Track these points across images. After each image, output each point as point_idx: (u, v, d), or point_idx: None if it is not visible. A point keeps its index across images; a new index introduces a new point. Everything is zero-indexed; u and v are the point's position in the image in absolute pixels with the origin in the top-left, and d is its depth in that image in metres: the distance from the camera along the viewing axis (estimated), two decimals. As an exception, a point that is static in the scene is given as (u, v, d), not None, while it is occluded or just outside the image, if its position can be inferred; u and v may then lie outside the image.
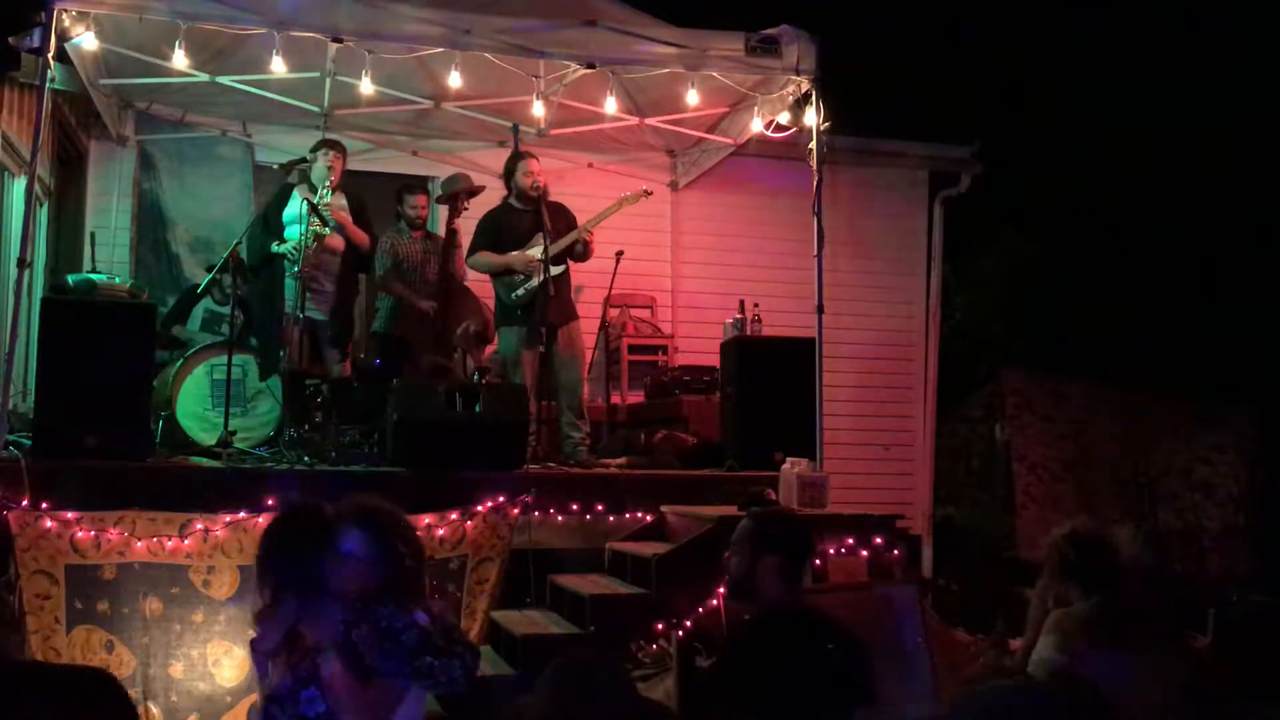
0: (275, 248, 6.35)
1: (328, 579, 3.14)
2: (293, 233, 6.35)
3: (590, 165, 8.33)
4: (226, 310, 6.70)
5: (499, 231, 6.65)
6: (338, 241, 6.51)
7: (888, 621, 4.51)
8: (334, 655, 3.00)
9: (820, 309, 6.22)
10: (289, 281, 6.35)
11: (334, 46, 6.07)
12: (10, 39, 6.53)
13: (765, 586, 3.50)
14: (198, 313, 7.08)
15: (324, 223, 6.27)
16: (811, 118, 6.30)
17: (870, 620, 4.41)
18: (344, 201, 6.60)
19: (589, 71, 6.25)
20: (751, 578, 3.55)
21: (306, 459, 5.71)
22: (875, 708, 3.34)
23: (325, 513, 3.35)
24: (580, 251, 6.69)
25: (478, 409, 5.87)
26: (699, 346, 8.05)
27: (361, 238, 6.61)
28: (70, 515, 4.69)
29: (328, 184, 6.41)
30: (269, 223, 6.50)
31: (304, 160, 6.54)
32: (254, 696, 4.71)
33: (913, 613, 4.56)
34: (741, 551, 3.63)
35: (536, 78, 6.64)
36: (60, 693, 2.49)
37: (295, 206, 6.35)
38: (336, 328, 6.61)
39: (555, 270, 6.46)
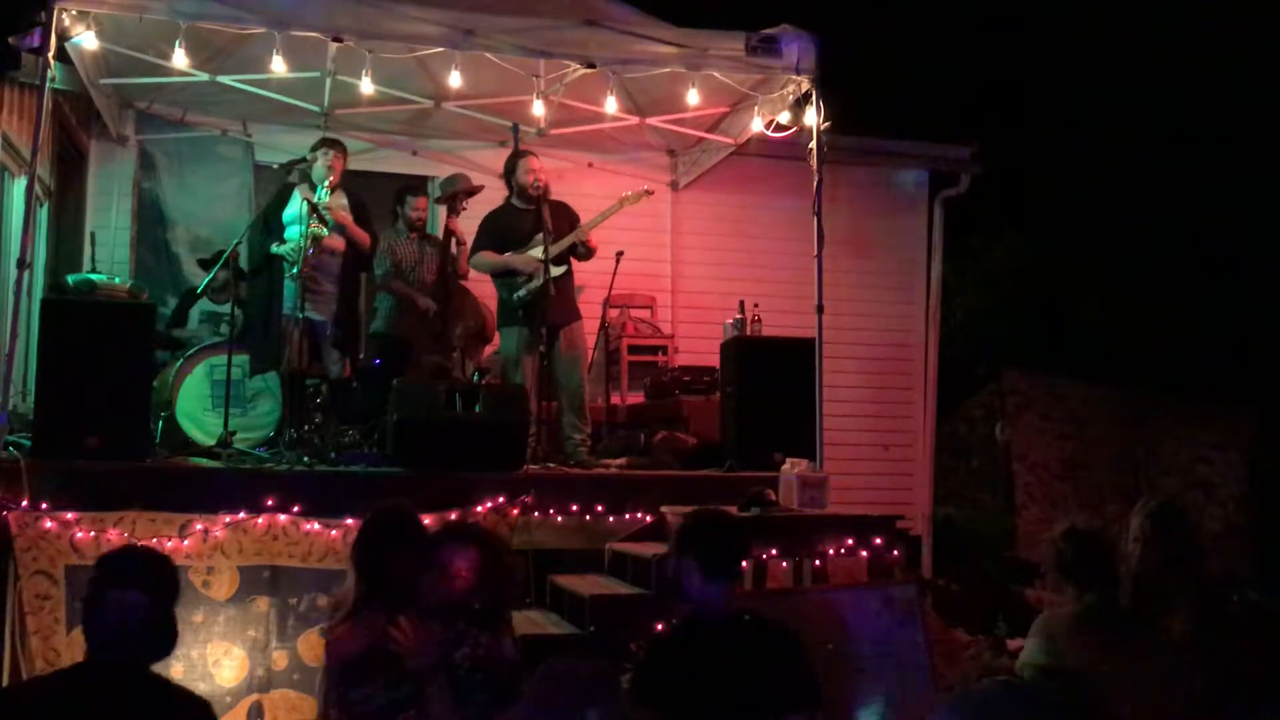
0: (275, 249, 6.33)
1: (426, 592, 3.13)
2: (293, 233, 6.32)
3: (590, 165, 8.33)
4: (222, 310, 6.70)
5: (501, 231, 6.64)
6: (337, 242, 6.45)
7: (888, 621, 4.52)
8: (438, 678, 3.00)
9: (820, 309, 6.22)
10: (288, 282, 6.33)
11: (334, 46, 6.07)
12: (10, 39, 6.52)
13: (689, 588, 3.44)
14: (193, 314, 7.07)
15: (323, 223, 6.25)
16: (812, 117, 6.30)
17: (870, 620, 4.42)
18: (345, 201, 6.56)
19: (589, 71, 6.25)
20: (678, 579, 3.49)
21: (306, 459, 5.71)
22: (825, 710, 3.32)
23: (422, 522, 3.35)
24: (582, 252, 6.68)
25: (478, 409, 5.87)
26: (699, 346, 8.04)
27: (363, 237, 6.57)
28: (70, 515, 4.70)
29: (327, 183, 6.40)
30: (269, 223, 6.48)
31: (304, 160, 6.53)
32: (254, 696, 4.73)
33: (913, 613, 4.57)
34: (671, 552, 3.58)
35: (537, 77, 6.64)
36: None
37: (295, 207, 6.33)
38: (341, 329, 6.54)
39: (557, 271, 6.45)
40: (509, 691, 3.06)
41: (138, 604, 2.60)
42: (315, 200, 6.22)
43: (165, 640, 2.70)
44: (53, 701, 2.58)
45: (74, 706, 2.54)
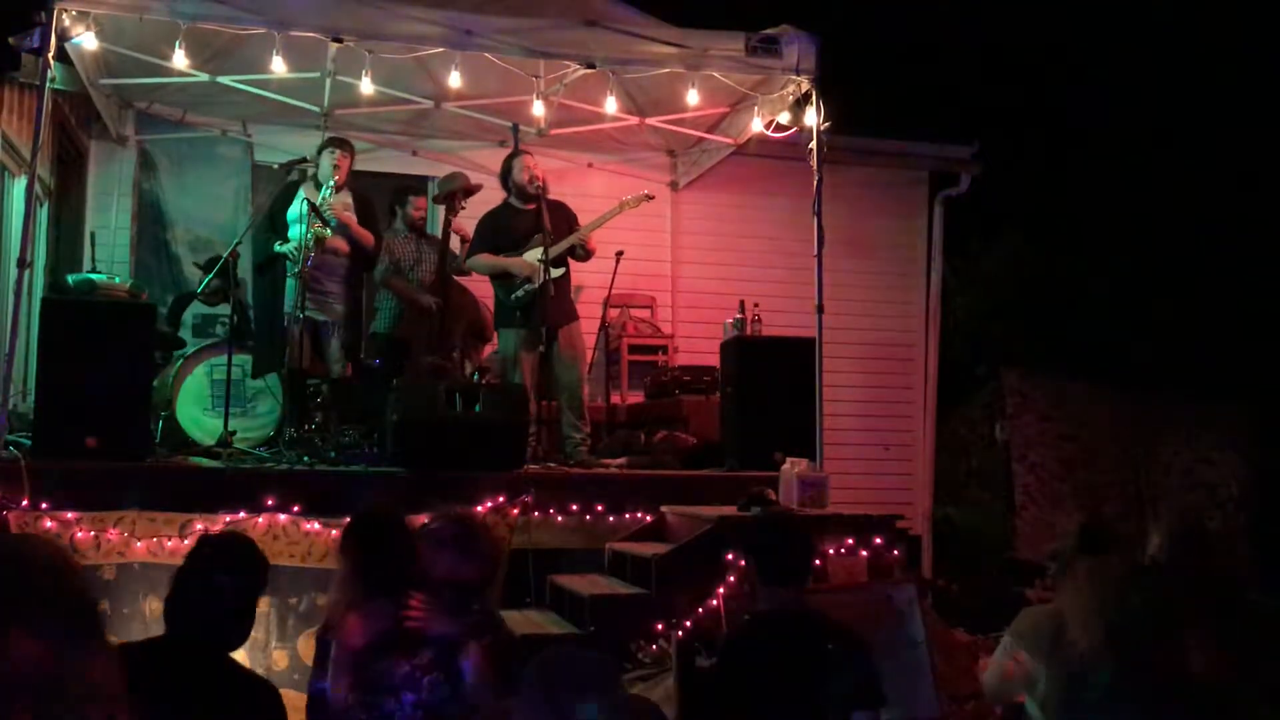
0: (277, 247, 6.33)
1: (428, 569, 3.24)
2: (295, 233, 6.31)
3: (590, 165, 8.33)
4: (216, 312, 6.69)
5: (499, 232, 6.63)
6: (341, 243, 6.43)
7: (888, 621, 4.51)
8: (469, 644, 3.11)
9: (820, 309, 6.22)
10: (290, 282, 6.32)
11: (334, 46, 6.06)
12: (10, 39, 6.53)
13: (758, 589, 3.49)
14: (187, 318, 7.03)
15: (324, 224, 6.24)
16: (812, 118, 6.29)
17: (870, 620, 4.41)
18: (350, 201, 6.54)
19: (589, 71, 6.25)
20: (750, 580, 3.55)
21: (306, 459, 5.70)
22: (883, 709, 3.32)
23: (401, 516, 3.52)
24: (580, 254, 6.68)
25: (478, 409, 5.87)
26: (699, 346, 8.04)
27: (366, 237, 6.53)
28: (70, 515, 4.70)
29: (332, 183, 6.38)
30: (274, 222, 6.47)
31: (303, 160, 6.53)
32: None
33: (913, 613, 4.56)
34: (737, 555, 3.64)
35: (536, 78, 6.64)
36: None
37: (298, 206, 6.32)
38: (347, 329, 6.51)
39: (555, 272, 6.44)
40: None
41: (227, 588, 2.68)
42: (317, 201, 6.22)
43: (245, 626, 2.78)
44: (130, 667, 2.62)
45: (150, 677, 2.55)
